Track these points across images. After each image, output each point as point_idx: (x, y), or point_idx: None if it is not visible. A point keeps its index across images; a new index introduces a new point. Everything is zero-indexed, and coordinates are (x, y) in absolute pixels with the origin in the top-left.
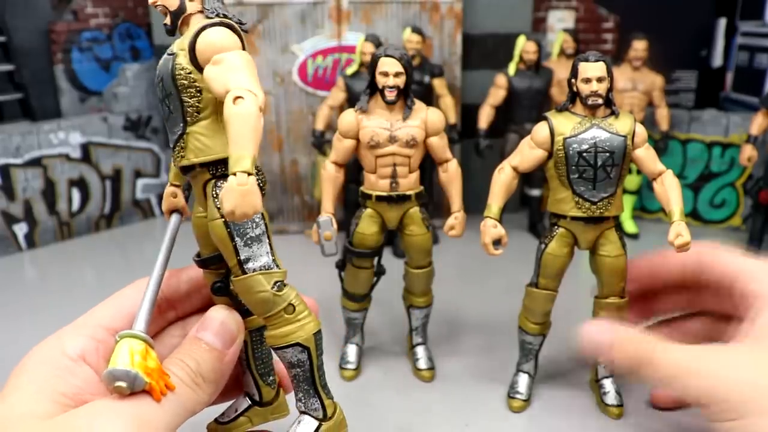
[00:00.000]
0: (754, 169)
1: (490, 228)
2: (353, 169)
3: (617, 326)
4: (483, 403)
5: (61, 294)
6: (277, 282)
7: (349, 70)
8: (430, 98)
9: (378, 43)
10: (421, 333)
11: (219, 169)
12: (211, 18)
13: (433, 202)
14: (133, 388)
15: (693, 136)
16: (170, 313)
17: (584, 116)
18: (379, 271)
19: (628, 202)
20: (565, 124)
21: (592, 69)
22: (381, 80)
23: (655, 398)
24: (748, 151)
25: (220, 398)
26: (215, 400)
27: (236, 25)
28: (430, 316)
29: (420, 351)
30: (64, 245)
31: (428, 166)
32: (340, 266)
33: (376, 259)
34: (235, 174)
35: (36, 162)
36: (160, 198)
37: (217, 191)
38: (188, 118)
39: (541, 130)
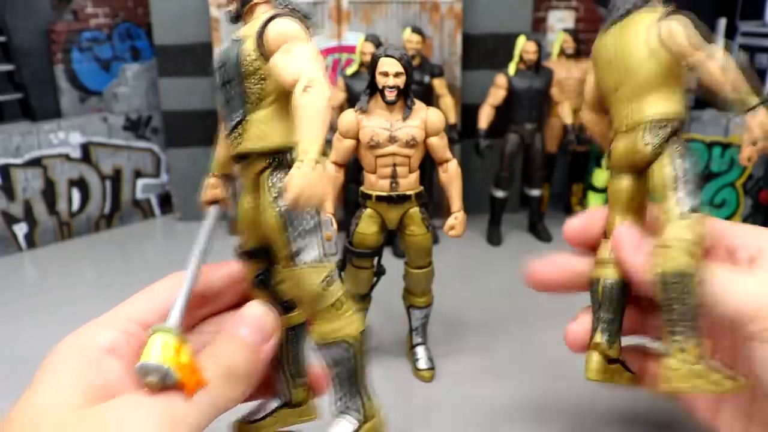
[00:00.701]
0: (754, 169)
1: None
2: (353, 169)
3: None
4: (483, 403)
5: (61, 294)
6: (327, 277)
7: (349, 70)
8: (430, 98)
9: (378, 43)
10: (421, 333)
11: (276, 158)
12: (280, 9)
13: (433, 202)
14: (165, 384)
15: (693, 136)
16: (203, 309)
17: None
18: (379, 271)
19: None
20: None
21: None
22: (381, 80)
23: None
24: (748, 152)
25: (250, 397)
26: (246, 398)
27: (304, 20)
28: (430, 316)
29: (420, 351)
30: (64, 245)
31: (428, 166)
32: (340, 266)
33: (376, 259)
34: (302, 161)
35: (36, 162)
36: (160, 198)
37: (273, 180)
38: (249, 105)
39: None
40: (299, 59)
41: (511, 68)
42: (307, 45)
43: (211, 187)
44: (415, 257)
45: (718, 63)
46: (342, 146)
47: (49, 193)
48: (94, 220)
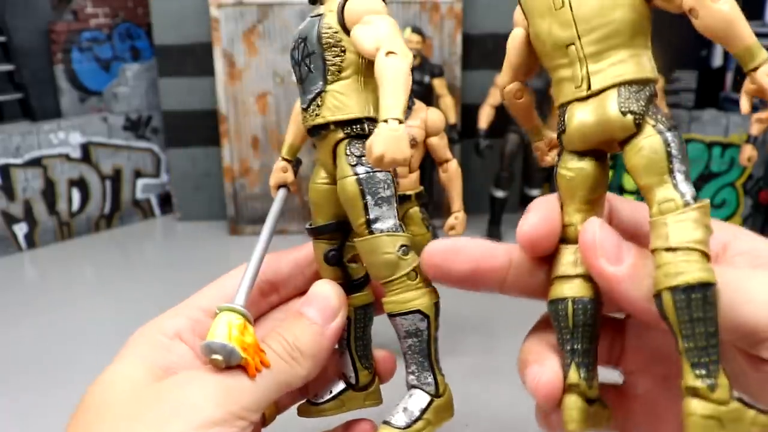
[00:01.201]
0: (754, 169)
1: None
2: None
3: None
4: (483, 403)
5: (61, 294)
6: (402, 245)
7: None
8: (430, 98)
9: None
10: None
11: (354, 128)
12: None
13: (433, 202)
14: (229, 362)
15: (693, 136)
16: (273, 296)
17: None
18: None
19: None
20: None
21: None
22: None
23: None
24: (748, 151)
25: (317, 379)
26: (316, 387)
27: None
28: None
29: None
30: (64, 245)
31: (428, 166)
32: None
33: None
34: (386, 121)
35: (36, 162)
36: (159, 198)
37: (351, 149)
38: (329, 77)
39: None
40: (381, 30)
41: None
42: (387, 18)
43: (281, 171)
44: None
45: (723, 5)
46: None
47: (49, 193)
48: (94, 220)
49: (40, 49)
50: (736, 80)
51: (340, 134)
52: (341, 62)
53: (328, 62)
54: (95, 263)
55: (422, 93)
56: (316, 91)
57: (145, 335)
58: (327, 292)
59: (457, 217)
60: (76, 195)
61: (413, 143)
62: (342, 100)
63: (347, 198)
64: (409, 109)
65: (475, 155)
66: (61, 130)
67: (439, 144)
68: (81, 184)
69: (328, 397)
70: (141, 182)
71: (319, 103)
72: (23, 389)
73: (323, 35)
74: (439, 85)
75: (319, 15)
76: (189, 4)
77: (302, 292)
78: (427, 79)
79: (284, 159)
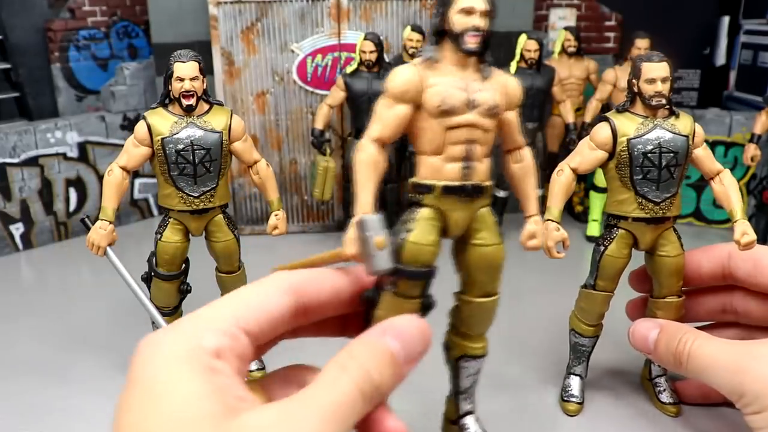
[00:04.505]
0: (757, 169)
1: (553, 231)
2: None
3: (662, 322)
4: (486, 405)
5: (57, 294)
6: None
7: (349, 69)
8: None
9: (378, 42)
10: (471, 396)
11: (225, 208)
12: (215, 102)
13: None
14: None
15: None
16: (300, 319)
17: (646, 117)
18: (428, 304)
19: None
20: (628, 125)
21: (657, 69)
22: (460, 21)
23: (680, 392)
24: (752, 151)
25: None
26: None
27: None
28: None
29: (471, 423)
30: (61, 245)
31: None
32: (370, 300)
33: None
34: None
35: (33, 161)
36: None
37: (226, 220)
38: (220, 177)
39: (602, 131)
40: (252, 145)
41: (513, 67)
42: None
43: (111, 233)
44: (483, 279)
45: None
46: (392, 114)
47: (46, 192)
48: (92, 220)
49: (37, 48)
50: (740, 79)
51: (218, 212)
52: (226, 164)
53: (222, 165)
54: (92, 264)
55: None
56: (212, 186)
57: (186, 351)
58: (420, 330)
59: (537, 222)
60: (73, 195)
61: (495, 111)
62: (225, 191)
63: (230, 253)
64: (488, 66)
65: None
66: (58, 129)
67: (512, 121)
68: (78, 183)
69: None
70: (139, 182)
71: (213, 193)
72: (20, 390)
73: (224, 146)
74: None
75: (211, 129)
76: (187, 2)
77: (325, 320)
78: None
79: (112, 222)
